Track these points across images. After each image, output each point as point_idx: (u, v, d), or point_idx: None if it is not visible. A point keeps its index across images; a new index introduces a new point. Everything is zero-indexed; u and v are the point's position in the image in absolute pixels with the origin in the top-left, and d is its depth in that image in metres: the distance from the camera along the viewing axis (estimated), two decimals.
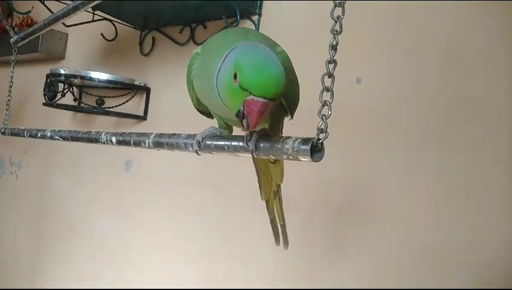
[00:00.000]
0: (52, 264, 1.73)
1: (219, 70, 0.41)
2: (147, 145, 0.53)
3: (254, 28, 1.16)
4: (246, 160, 1.13)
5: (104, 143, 0.62)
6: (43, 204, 1.80)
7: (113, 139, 0.60)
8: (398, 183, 0.89)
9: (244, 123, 0.37)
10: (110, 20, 1.46)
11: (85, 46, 1.72)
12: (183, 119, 1.34)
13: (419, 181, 0.86)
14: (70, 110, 1.61)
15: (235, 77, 0.37)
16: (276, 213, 0.69)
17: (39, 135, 0.80)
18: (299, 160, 0.32)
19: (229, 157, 1.17)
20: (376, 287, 0.88)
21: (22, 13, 1.27)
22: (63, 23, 1.41)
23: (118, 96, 1.45)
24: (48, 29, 0.94)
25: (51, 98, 1.48)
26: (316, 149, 0.31)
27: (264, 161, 0.60)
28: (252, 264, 1.11)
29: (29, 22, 1.84)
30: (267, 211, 0.69)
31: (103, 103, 1.48)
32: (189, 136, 0.47)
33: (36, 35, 0.99)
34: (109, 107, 1.44)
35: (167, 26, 1.42)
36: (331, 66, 0.33)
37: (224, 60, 0.40)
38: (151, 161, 1.42)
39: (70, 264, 1.65)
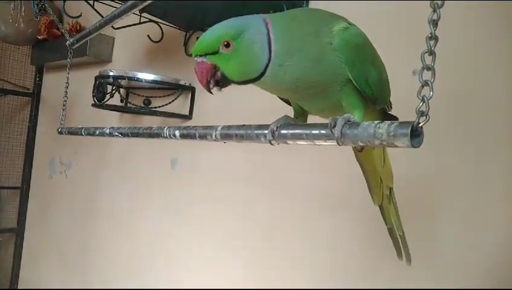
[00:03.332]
0: (100, 260, 1.77)
1: None
2: (213, 137, 0.52)
3: None
4: (296, 157, 1.12)
5: (166, 138, 0.62)
6: (92, 202, 1.85)
7: (177, 133, 0.60)
8: (465, 180, 0.84)
9: None
10: (156, 22, 1.48)
11: (131, 49, 1.75)
12: (228, 118, 1.34)
13: (487, 179, 0.81)
14: (119, 110, 1.64)
15: None
16: (393, 221, 0.64)
17: (97, 132, 0.81)
18: (394, 146, 0.30)
19: (278, 153, 1.16)
20: (440, 287, 0.84)
21: (73, 17, 1.31)
22: (112, 26, 1.45)
23: (163, 96, 1.47)
24: (102, 30, 0.96)
25: (99, 100, 1.51)
26: (415, 134, 0.29)
27: (370, 160, 0.59)
28: (303, 264, 1.09)
29: (78, 27, 1.90)
30: (383, 219, 0.64)
31: (150, 103, 1.51)
32: (260, 126, 0.46)
33: (91, 36, 1.01)
34: (155, 107, 1.46)
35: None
36: (431, 42, 0.31)
37: None
38: (198, 158, 1.42)
39: (119, 261, 1.68)
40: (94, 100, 1.52)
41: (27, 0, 1.81)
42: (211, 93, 0.45)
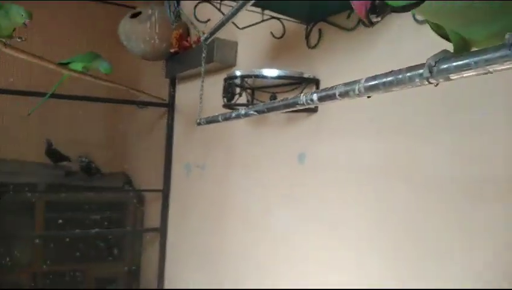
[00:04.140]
0: (234, 258, 1.84)
1: None
2: (356, 92, 0.49)
3: None
4: (434, 141, 1.02)
5: (303, 104, 0.61)
6: (224, 201, 1.95)
7: (314, 97, 0.58)
8: None
9: None
10: (278, 18, 1.51)
11: (252, 51, 1.82)
12: (356, 107, 1.30)
13: None
14: None
15: None
16: None
17: (233, 115, 0.84)
18: None
19: (413, 139, 1.07)
20: None
21: (202, 22, 1.41)
22: (235, 25, 1.52)
23: (288, 91, 1.49)
24: (228, 22, 1.01)
25: (229, 100, 1.59)
26: None
27: None
28: (449, 261, 0.98)
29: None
30: None
31: (276, 98, 1.54)
32: (412, 68, 0.41)
33: (220, 30, 1.07)
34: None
35: (333, 14, 1.40)
36: None
37: None
38: (326, 152, 1.40)
39: (252, 259, 1.73)
40: (224, 101, 1.60)
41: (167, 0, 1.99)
42: (371, 24, 0.42)
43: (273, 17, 1.50)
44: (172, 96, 2.53)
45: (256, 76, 1.47)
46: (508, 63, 0.32)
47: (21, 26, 1.45)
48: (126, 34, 2.29)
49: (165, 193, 2.51)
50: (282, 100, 0.69)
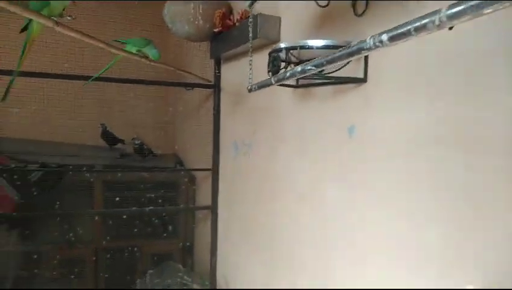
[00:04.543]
0: (284, 232, 1.85)
1: None
2: (437, 22, 0.41)
3: None
4: (490, 105, 0.96)
5: (370, 49, 0.55)
6: (273, 178, 1.95)
7: (384, 37, 0.52)
8: None
9: None
10: None
11: (296, 25, 1.79)
12: (409, 72, 1.24)
13: None
14: (292, 84, 1.69)
15: None
16: None
17: (288, 74, 0.82)
18: None
19: (475, 105, 1.00)
20: None
21: None
22: None
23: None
24: None
25: (274, 73, 1.58)
26: None
27: None
28: None
29: (247, 15, 2.03)
30: None
31: (323, 70, 1.50)
32: None
33: None
34: (329, 73, 1.45)
35: None
36: None
37: None
38: (376, 123, 1.36)
39: (303, 233, 1.73)
40: (269, 75, 1.59)
41: None
42: None
43: None
44: (217, 77, 2.55)
45: (302, 47, 1.44)
46: None
47: (69, 4, 1.48)
48: (171, 16, 2.33)
49: (215, 172, 2.56)
50: (343, 48, 0.65)
